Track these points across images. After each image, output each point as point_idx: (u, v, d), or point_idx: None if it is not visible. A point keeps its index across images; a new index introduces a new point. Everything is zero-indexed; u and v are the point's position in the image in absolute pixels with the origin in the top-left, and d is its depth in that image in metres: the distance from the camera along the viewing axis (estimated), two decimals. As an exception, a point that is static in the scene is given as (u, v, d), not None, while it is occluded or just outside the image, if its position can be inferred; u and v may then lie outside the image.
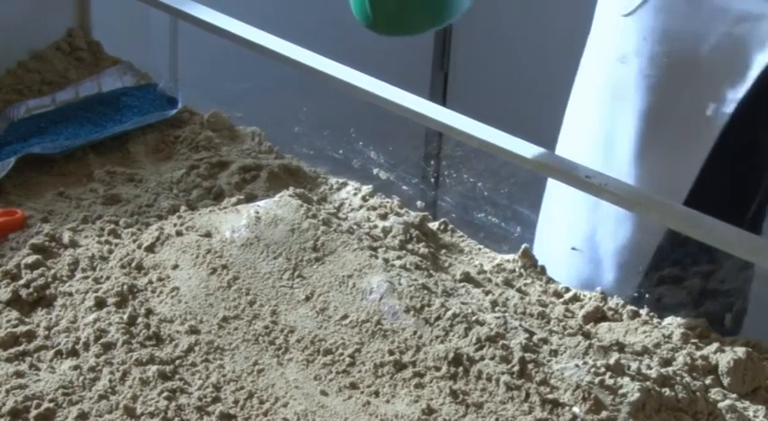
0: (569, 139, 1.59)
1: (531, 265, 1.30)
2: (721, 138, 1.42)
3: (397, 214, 1.33)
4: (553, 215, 1.60)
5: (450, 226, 1.35)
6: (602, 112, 1.52)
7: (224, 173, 1.38)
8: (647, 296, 1.43)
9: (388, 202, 1.35)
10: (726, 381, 1.16)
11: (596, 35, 1.53)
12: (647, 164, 1.48)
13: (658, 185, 1.46)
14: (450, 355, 1.06)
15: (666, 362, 1.16)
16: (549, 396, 1.04)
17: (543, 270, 1.31)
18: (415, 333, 1.08)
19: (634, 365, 1.09)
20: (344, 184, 1.39)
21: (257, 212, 1.19)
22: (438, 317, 1.09)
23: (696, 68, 1.42)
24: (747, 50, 1.39)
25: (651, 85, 1.45)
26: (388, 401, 1.04)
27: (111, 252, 1.19)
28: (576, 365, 1.07)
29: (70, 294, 1.14)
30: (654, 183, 1.47)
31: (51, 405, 1.02)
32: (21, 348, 1.09)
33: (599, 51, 1.52)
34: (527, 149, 1.30)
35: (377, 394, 1.05)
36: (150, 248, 1.18)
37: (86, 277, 1.16)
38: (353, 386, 1.06)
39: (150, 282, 1.15)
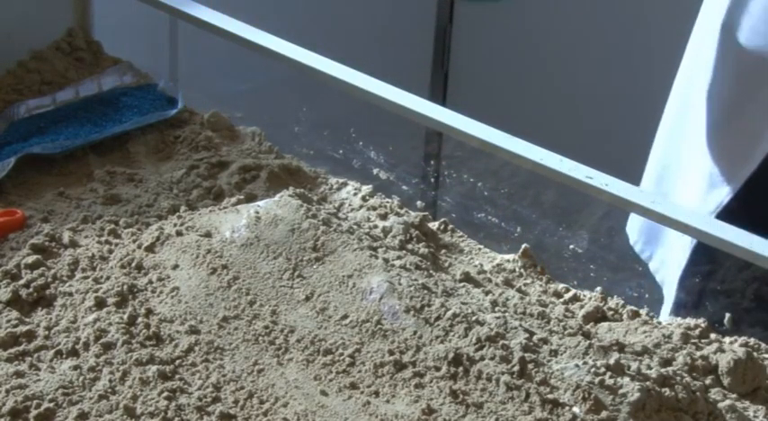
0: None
1: (531, 265, 1.30)
2: None
3: (397, 214, 1.33)
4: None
5: (450, 226, 1.35)
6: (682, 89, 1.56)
7: (224, 173, 1.38)
8: (646, 296, 1.43)
9: (388, 202, 1.35)
10: (726, 381, 1.16)
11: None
12: (719, 141, 1.51)
13: (724, 164, 1.48)
14: (450, 355, 1.06)
15: (666, 362, 1.16)
16: (549, 396, 1.04)
17: (543, 270, 1.31)
18: (415, 333, 1.08)
19: (634, 365, 1.09)
20: (344, 184, 1.39)
21: (257, 212, 1.19)
22: (438, 318, 1.09)
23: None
24: None
25: (740, 57, 1.48)
26: (388, 401, 1.04)
27: (111, 252, 1.19)
28: (576, 365, 1.07)
29: (70, 294, 1.14)
30: (722, 162, 1.49)
31: (51, 405, 1.02)
32: (21, 348, 1.09)
33: (701, 22, 1.55)
34: (527, 149, 1.30)
35: (377, 394, 1.05)
36: (150, 248, 1.18)
37: (86, 277, 1.16)
38: (353, 386, 1.06)
39: (150, 282, 1.15)
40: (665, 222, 1.26)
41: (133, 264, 1.17)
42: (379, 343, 1.08)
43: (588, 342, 1.11)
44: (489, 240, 1.36)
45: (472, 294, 1.17)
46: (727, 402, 1.12)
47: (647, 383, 1.07)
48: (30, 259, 1.18)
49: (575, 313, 1.24)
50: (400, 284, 1.12)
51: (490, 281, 1.24)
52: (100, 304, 1.12)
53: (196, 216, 1.23)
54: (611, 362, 1.08)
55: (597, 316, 1.24)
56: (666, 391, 1.08)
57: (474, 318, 1.09)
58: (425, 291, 1.11)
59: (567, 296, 1.27)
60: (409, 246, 1.24)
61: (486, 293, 1.19)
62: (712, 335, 1.23)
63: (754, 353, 1.19)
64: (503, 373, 1.05)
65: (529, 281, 1.28)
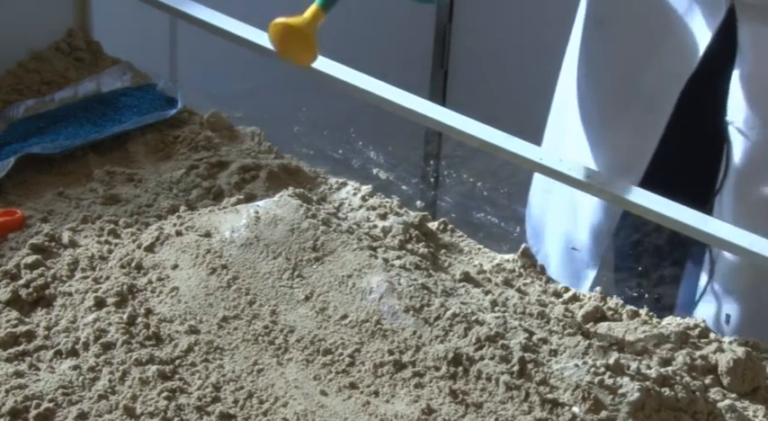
0: (554, 114, 1.65)
1: (531, 265, 1.30)
2: (676, 112, 1.48)
3: (397, 214, 1.32)
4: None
5: (450, 226, 1.35)
6: (576, 76, 1.58)
7: (223, 173, 1.38)
8: (646, 296, 1.44)
9: (387, 202, 1.35)
10: (725, 381, 1.16)
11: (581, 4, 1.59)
12: (610, 135, 1.54)
13: (619, 158, 1.51)
14: (450, 355, 1.06)
15: (666, 362, 1.16)
16: (549, 395, 1.04)
17: (543, 270, 1.31)
18: (414, 333, 1.08)
19: (633, 365, 1.09)
20: (344, 184, 1.39)
21: (257, 212, 1.19)
22: (438, 317, 1.09)
23: (661, 35, 1.47)
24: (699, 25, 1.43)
25: (620, 50, 1.51)
26: (387, 401, 1.04)
27: (110, 252, 1.19)
28: (576, 365, 1.07)
29: (70, 294, 1.14)
30: (616, 155, 1.52)
31: (51, 405, 1.02)
32: (20, 348, 1.09)
33: (580, 16, 1.58)
34: (527, 149, 1.30)
35: (376, 394, 1.05)
36: (150, 248, 1.18)
37: (86, 277, 1.16)
38: (353, 386, 1.06)
39: (150, 281, 1.15)
40: (664, 221, 1.25)
41: (133, 264, 1.17)
42: (379, 343, 1.08)
43: (588, 342, 1.11)
44: (489, 240, 1.36)
45: (472, 294, 1.17)
46: (727, 402, 1.12)
47: (647, 383, 1.07)
48: (29, 259, 1.18)
49: (574, 313, 1.24)
50: (400, 284, 1.12)
51: (490, 281, 1.24)
52: (99, 304, 1.12)
53: (196, 216, 1.23)
54: (611, 361, 1.08)
55: (597, 316, 1.24)
56: (666, 391, 1.08)
57: (474, 318, 1.09)
58: (425, 291, 1.11)
59: (566, 296, 1.27)
60: (409, 246, 1.24)
61: (486, 293, 1.19)
62: (712, 335, 1.23)
63: (754, 353, 1.19)
64: (502, 373, 1.05)
65: (528, 280, 1.28)
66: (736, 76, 1.43)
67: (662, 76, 1.48)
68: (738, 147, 1.45)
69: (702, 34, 1.44)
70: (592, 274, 1.59)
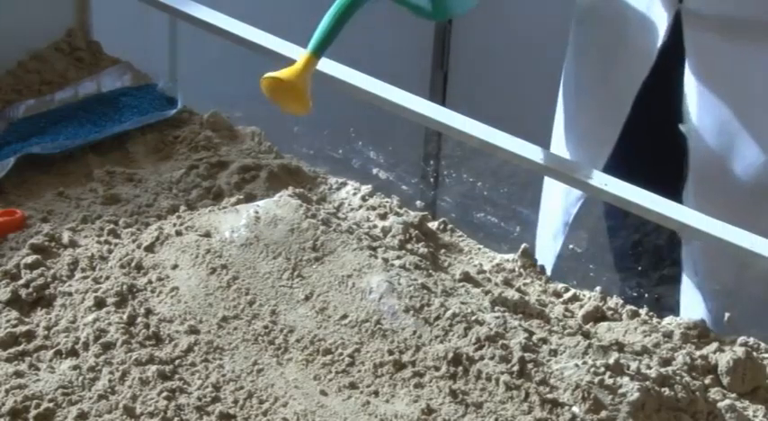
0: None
1: (531, 265, 1.30)
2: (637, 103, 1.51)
3: (397, 214, 1.33)
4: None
5: (450, 225, 1.35)
6: (565, 76, 1.61)
7: (223, 173, 1.38)
8: (646, 295, 1.44)
9: (387, 202, 1.35)
10: (725, 381, 1.16)
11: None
12: (577, 128, 1.56)
13: (585, 147, 1.53)
14: (450, 355, 1.06)
15: (666, 362, 1.16)
16: (549, 395, 1.04)
17: (543, 269, 1.31)
18: (414, 333, 1.08)
19: (633, 365, 1.09)
20: (344, 184, 1.39)
21: (257, 212, 1.19)
22: (437, 317, 1.09)
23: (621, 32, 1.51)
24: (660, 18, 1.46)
25: (592, 48, 1.52)
26: (387, 401, 1.04)
27: (110, 252, 1.19)
28: (576, 365, 1.07)
29: (70, 294, 1.14)
30: (577, 149, 1.54)
31: (51, 405, 1.02)
32: (20, 348, 1.09)
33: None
34: (527, 149, 1.30)
35: (376, 394, 1.05)
36: (150, 248, 1.18)
37: (86, 277, 1.16)
38: (353, 386, 1.06)
39: (150, 281, 1.15)
40: (664, 222, 1.26)
41: (133, 264, 1.17)
42: (379, 342, 1.08)
43: (588, 342, 1.11)
44: (489, 240, 1.36)
45: (472, 294, 1.17)
46: (727, 402, 1.12)
47: (647, 383, 1.07)
48: (29, 259, 1.18)
49: (574, 313, 1.24)
50: (400, 284, 1.12)
51: (489, 280, 1.24)
52: (99, 304, 1.12)
53: (195, 216, 1.23)
54: (611, 361, 1.08)
55: (596, 315, 1.24)
56: (666, 391, 1.08)
57: (473, 318, 1.09)
58: (425, 291, 1.11)
59: (566, 296, 1.27)
60: (409, 246, 1.24)
61: (486, 293, 1.19)
62: (711, 335, 1.23)
63: (754, 353, 1.19)
64: (502, 373, 1.05)
65: (528, 280, 1.28)
66: (685, 80, 1.44)
67: (622, 76, 1.49)
68: (694, 151, 1.46)
69: (656, 37, 1.45)
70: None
